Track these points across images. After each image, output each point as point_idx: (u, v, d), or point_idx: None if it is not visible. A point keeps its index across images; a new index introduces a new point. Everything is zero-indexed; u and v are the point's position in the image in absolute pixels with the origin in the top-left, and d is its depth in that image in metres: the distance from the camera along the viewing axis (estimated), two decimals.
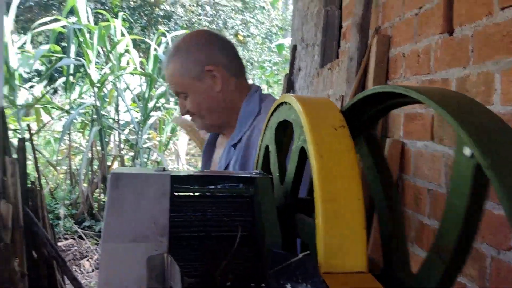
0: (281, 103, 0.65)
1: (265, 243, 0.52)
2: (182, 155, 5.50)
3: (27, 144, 2.50)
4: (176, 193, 0.58)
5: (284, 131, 0.67)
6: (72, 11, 5.13)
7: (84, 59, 4.32)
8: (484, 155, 0.34)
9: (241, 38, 8.51)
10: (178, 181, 0.58)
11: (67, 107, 4.72)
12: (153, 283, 0.49)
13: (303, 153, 0.54)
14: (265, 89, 10.53)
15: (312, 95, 3.06)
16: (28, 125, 2.21)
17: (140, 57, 5.33)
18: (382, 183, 0.51)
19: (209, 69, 1.13)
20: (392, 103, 0.50)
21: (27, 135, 3.47)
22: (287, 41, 11.00)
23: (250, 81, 1.29)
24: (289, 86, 3.68)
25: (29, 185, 2.21)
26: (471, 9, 1.33)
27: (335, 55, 3.02)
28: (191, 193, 0.60)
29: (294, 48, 3.66)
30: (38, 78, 8.20)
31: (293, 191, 0.59)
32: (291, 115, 0.59)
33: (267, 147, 0.70)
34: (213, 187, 0.60)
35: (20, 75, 4.91)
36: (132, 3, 7.39)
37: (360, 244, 0.44)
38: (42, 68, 7.15)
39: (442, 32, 1.46)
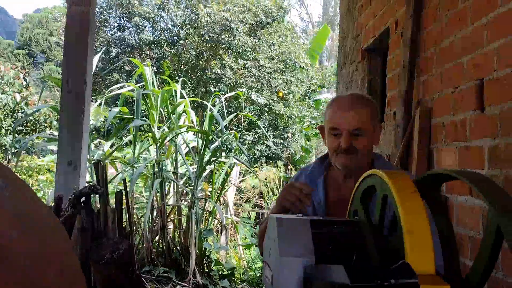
0: (366, 177, 1.02)
1: (370, 259, 0.88)
2: (230, 205, 5.89)
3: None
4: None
5: (366, 198, 1.02)
6: (134, 75, 5.84)
7: (149, 119, 4.89)
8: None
9: (281, 94, 9.10)
10: (311, 223, 0.96)
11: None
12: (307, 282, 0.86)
13: (384, 200, 0.90)
14: (303, 142, 10.99)
15: None
16: (124, 180, 2.67)
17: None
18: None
19: (380, 126, 1.55)
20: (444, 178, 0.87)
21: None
22: (323, 96, 11.63)
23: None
24: None
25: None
26: (498, 93, 1.69)
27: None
28: (319, 231, 0.97)
29: None
30: (95, 134, 9.02)
31: (380, 226, 0.95)
32: (372, 182, 0.96)
33: (355, 211, 1.05)
34: (332, 227, 0.97)
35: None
36: (182, 66, 8.21)
37: (431, 258, 0.80)
38: (96, 124, 7.91)
39: (475, 109, 1.82)
